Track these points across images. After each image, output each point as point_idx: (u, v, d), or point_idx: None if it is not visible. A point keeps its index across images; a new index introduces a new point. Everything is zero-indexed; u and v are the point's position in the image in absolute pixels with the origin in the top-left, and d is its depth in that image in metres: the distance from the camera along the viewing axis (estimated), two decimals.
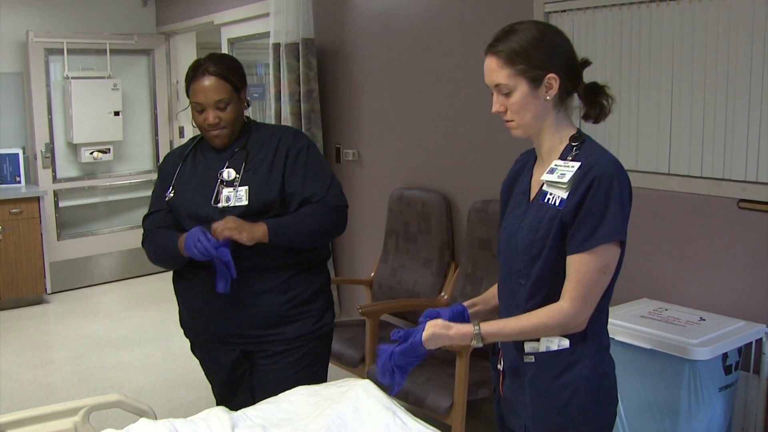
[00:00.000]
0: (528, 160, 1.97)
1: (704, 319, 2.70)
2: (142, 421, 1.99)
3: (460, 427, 3.08)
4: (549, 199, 1.81)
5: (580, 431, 1.84)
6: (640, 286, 3.07)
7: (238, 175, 2.51)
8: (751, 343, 2.68)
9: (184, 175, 2.61)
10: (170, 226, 2.58)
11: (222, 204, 2.49)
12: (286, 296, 2.54)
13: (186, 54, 7.13)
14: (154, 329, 5.54)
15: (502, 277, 1.96)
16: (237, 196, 2.49)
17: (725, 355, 2.57)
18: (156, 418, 2.17)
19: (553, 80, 1.78)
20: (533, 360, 1.85)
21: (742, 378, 2.71)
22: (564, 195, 1.77)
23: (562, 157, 1.81)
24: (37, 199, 6.06)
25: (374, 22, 4.42)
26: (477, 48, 3.69)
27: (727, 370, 2.60)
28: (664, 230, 3.02)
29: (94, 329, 5.58)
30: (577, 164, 1.76)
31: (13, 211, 5.91)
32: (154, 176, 6.85)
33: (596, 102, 1.84)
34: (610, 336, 2.62)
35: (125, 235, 6.85)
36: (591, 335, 1.83)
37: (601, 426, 1.87)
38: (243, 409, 2.14)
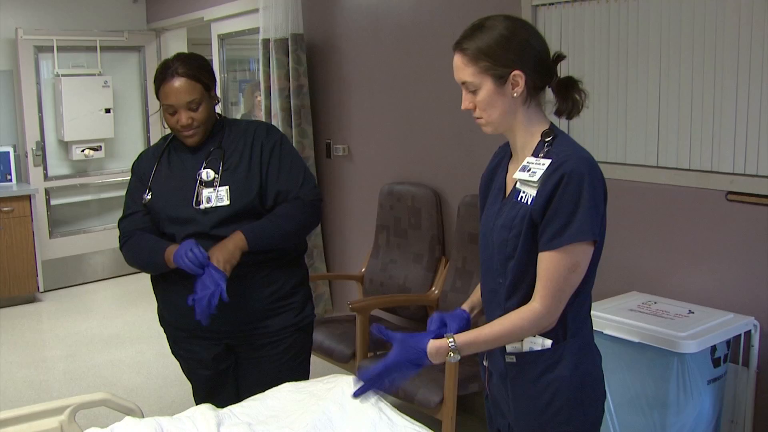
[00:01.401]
0: (504, 156, 1.96)
1: (693, 312, 2.70)
2: (127, 419, 1.99)
3: (450, 423, 3.08)
4: (522, 197, 1.80)
5: (562, 431, 1.83)
6: (629, 280, 3.07)
7: (217, 175, 2.51)
8: (740, 335, 2.68)
9: (160, 177, 2.59)
10: (148, 229, 2.56)
11: (204, 205, 2.48)
12: (268, 290, 2.55)
13: (177, 50, 7.02)
14: (146, 327, 5.53)
15: (483, 274, 1.95)
16: (218, 196, 2.48)
17: (714, 348, 2.57)
18: (143, 417, 2.17)
19: (518, 77, 1.76)
20: (514, 360, 1.85)
21: (731, 371, 2.71)
22: (533, 192, 1.76)
23: (535, 154, 1.79)
24: (29, 197, 6.05)
25: (363, 17, 4.41)
26: None
27: (716, 362, 2.60)
28: (653, 223, 3.02)
29: (87, 327, 5.58)
30: (547, 161, 1.75)
31: (5, 209, 5.90)
32: None
33: (569, 97, 1.81)
34: (599, 329, 2.64)
35: (118, 233, 6.83)
36: (572, 333, 1.82)
37: (586, 425, 1.86)
38: (229, 407, 2.14)
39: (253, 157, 2.52)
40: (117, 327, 5.57)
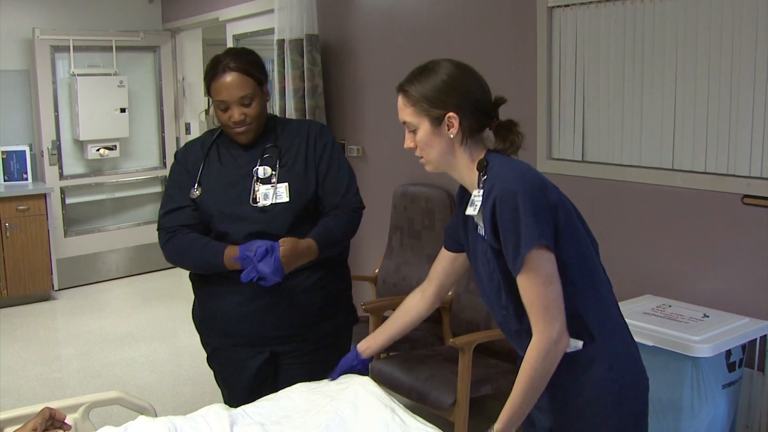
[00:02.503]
0: (466, 194, 1.98)
1: (708, 316, 2.68)
2: (141, 418, 1.99)
3: (463, 424, 3.07)
4: (479, 229, 1.87)
5: None
6: (643, 283, 3.05)
7: (274, 172, 2.45)
8: (756, 340, 2.67)
9: (210, 172, 2.51)
10: (194, 227, 2.47)
11: (261, 202, 2.43)
12: (320, 294, 2.49)
13: (192, 50, 7.14)
14: (160, 326, 5.55)
15: (489, 310, 2.01)
16: (277, 193, 2.43)
17: (729, 352, 2.55)
18: (156, 415, 2.17)
19: (453, 119, 1.83)
20: None
21: (746, 375, 2.69)
22: (483, 225, 1.83)
23: (478, 185, 1.85)
24: (44, 195, 6.08)
25: (378, 17, 4.41)
26: (479, 44, 3.68)
27: (731, 367, 2.58)
28: (668, 226, 3.01)
29: (101, 326, 5.60)
30: (482, 191, 1.81)
31: (20, 208, 5.93)
32: (161, 173, 6.97)
33: (507, 138, 1.87)
34: None
35: (132, 232, 6.87)
36: (600, 334, 1.83)
37: (628, 424, 1.86)
38: (242, 407, 2.13)
39: (309, 155, 2.48)
40: (131, 326, 5.59)
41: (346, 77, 4.73)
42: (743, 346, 2.62)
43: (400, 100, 1.90)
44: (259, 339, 2.50)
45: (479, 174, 1.85)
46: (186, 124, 7.13)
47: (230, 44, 6.01)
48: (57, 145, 6.43)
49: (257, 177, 2.45)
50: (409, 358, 3.44)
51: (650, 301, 2.87)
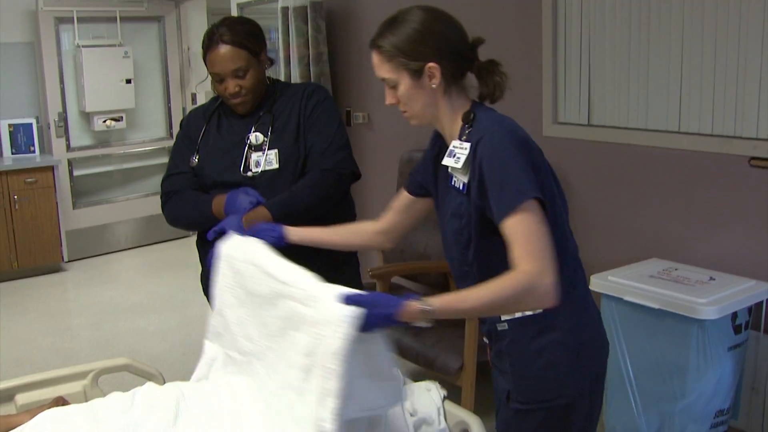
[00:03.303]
0: (443, 144, 1.92)
1: (714, 279, 2.68)
2: (149, 384, 2.01)
3: (470, 389, 3.09)
4: (455, 182, 1.80)
5: (559, 394, 1.82)
6: (649, 246, 3.05)
7: (266, 139, 2.45)
8: (762, 302, 2.67)
9: (209, 140, 2.54)
10: (194, 189, 2.52)
11: (252, 170, 2.44)
12: (324, 258, 2.40)
13: (197, 20, 7.08)
14: (170, 295, 5.58)
15: (449, 263, 1.93)
16: (267, 160, 2.44)
17: (735, 315, 2.56)
18: (164, 382, 2.19)
19: (434, 69, 1.76)
20: (507, 327, 1.83)
21: (752, 337, 2.69)
22: (465, 179, 1.76)
23: (459, 137, 1.79)
24: (52, 168, 6.09)
25: None
26: (484, 6, 3.65)
27: (737, 329, 2.59)
28: (675, 189, 2.99)
29: (111, 296, 5.64)
30: (468, 144, 1.74)
31: (28, 180, 5.95)
32: (168, 143, 6.96)
33: (490, 81, 1.81)
34: (618, 296, 2.64)
35: (141, 203, 6.88)
36: (564, 303, 1.75)
37: (584, 386, 1.85)
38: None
39: (300, 117, 2.47)
40: (140, 296, 5.63)
41: (351, 44, 4.70)
42: (749, 309, 2.62)
43: (375, 57, 1.82)
44: None
45: (463, 125, 1.79)
46: (192, 94, 7.10)
47: (234, 13, 5.96)
48: (63, 117, 6.43)
49: (249, 144, 2.46)
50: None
51: (656, 265, 2.87)
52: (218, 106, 2.58)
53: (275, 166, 2.44)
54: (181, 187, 2.55)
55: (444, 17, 1.81)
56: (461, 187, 1.78)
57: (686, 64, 2.90)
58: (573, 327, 1.83)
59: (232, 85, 2.41)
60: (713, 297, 2.51)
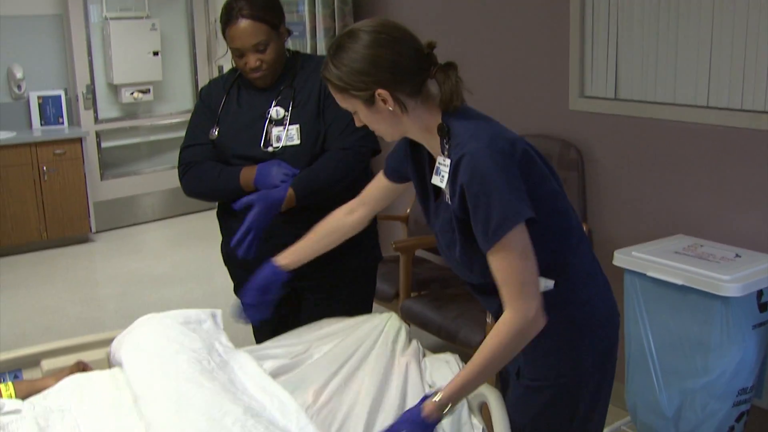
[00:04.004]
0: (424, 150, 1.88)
1: (740, 256, 2.65)
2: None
3: None
4: (446, 197, 1.76)
5: (570, 370, 1.84)
6: (675, 222, 3.02)
7: (287, 113, 2.44)
8: None
9: (229, 112, 2.52)
10: (213, 159, 2.52)
11: (273, 145, 2.43)
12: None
13: None
14: (195, 266, 5.64)
15: (448, 264, 1.94)
16: (288, 135, 2.42)
17: (760, 293, 2.53)
18: None
19: (384, 95, 1.71)
20: None
21: None
22: (449, 195, 1.73)
23: (442, 151, 1.74)
24: (80, 140, 6.14)
25: None
26: None
27: (762, 307, 2.55)
28: (702, 165, 2.95)
29: (138, 267, 5.71)
30: (449, 161, 1.70)
31: (57, 152, 6.01)
32: None
33: (446, 87, 1.73)
34: (642, 271, 2.62)
35: (167, 175, 6.92)
36: (573, 278, 1.80)
37: (597, 358, 1.86)
38: (264, 346, 2.18)
39: (321, 93, 2.44)
40: (167, 267, 5.69)
41: (378, 15, 4.67)
42: None
43: (330, 87, 1.78)
44: None
45: (442, 141, 1.74)
46: (219, 66, 7.12)
47: None
48: (91, 90, 6.48)
49: (271, 119, 2.45)
50: (439, 297, 3.46)
51: (682, 241, 2.84)
52: (237, 78, 2.56)
53: (296, 141, 2.43)
54: (200, 158, 2.54)
55: (390, 38, 1.72)
56: (449, 202, 1.75)
57: (716, 36, 2.85)
58: (586, 301, 1.83)
59: (252, 60, 2.38)
60: (738, 274, 2.48)
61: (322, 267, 2.40)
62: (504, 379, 2.03)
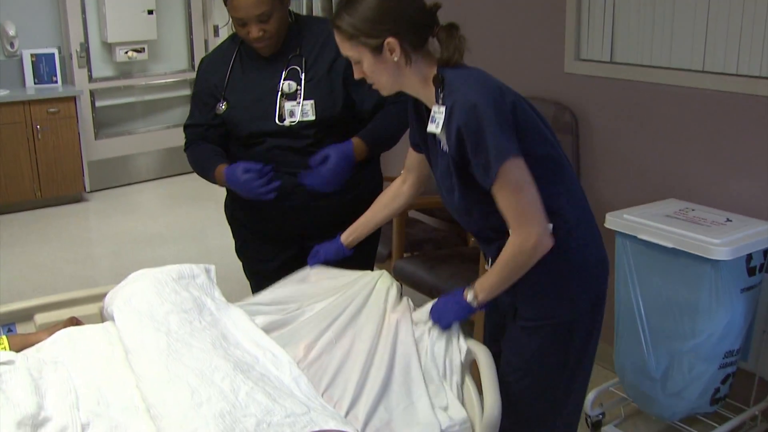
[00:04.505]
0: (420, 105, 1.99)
1: (731, 221, 2.66)
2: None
3: (482, 323, 3.11)
4: (442, 145, 1.87)
5: (564, 310, 1.93)
6: (668, 186, 3.03)
7: (299, 88, 2.41)
8: None
9: (235, 86, 2.49)
10: (212, 141, 2.56)
11: (287, 121, 2.41)
12: (351, 193, 2.50)
13: None
14: (189, 226, 5.65)
15: (451, 213, 2.04)
16: (303, 111, 2.40)
17: (750, 257, 2.54)
18: None
19: (393, 44, 1.81)
20: None
21: (766, 280, 2.68)
22: (446, 141, 1.83)
23: (437, 100, 1.84)
24: (74, 98, 6.10)
25: None
26: None
27: (751, 271, 2.57)
28: (696, 130, 2.96)
29: (132, 226, 5.72)
30: (443, 108, 1.80)
31: (51, 110, 5.98)
32: (190, 76, 6.95)
33: (450, 45, 1.84)
34: (633, 234, 2.63)
35: (162, 135, 6.91)
36: (568, 222, 1.89)
37: (584, 307, 1.95)
38: (257, 297, 2.21)
39: (336, 63, 2.41)
40: (161, 226, 5.70)
41: None
42: (765, 251, 2.60)
43: (337, 37, 1.87)
44: (288, 236, 2.54)
45: (437, 90, 1.83)
46: (214, 26, 7.06)
47: None
48: (85, 48, 6.42)
49: (282, 93, 2.42)
50: (432, 258, 3.48)
51: (674, 205, 2.85)
52: (240, 46, 2.52)
53: (311, 117, 2.41)
54: (196, 138, 2.59)
55: None
56: (445, 149, 1.85)
57: (713, 0, 2.83)
58: (581, 245, 1.92)
59: (255, 30, 2.34)
60: (728, 238, 2.49)
61: (329, 230, 2.40)
62: (500, 324, 2.09)
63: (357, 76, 1.91)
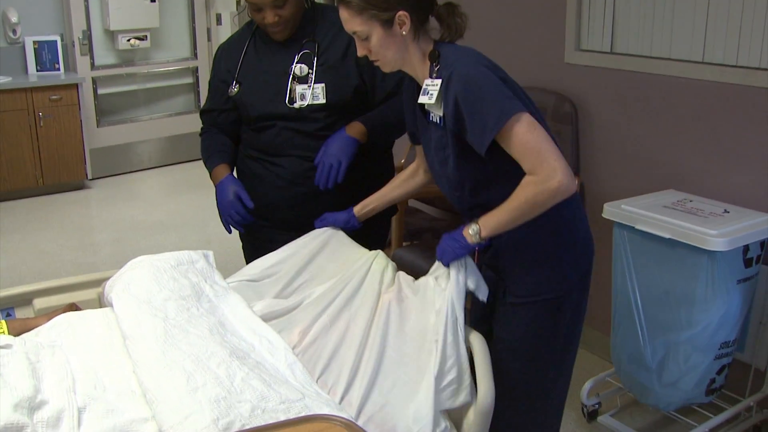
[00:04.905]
0: (414, 86, 2.02)
1: (728, 212, 2.67)
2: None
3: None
4: (432, 117, 1.91)
5: (553, 287, 1.96)
6: (666, 177, 3.03)
7: (311, 71, 2.42)
8: None
9: (249, 69, 2.50)
10: (226, 125, 2.60)
11: (297, 103, 2.42)
12: (361, 183, 2.48)
13: None
14: (190, 214, 5.66)
15: (442, 190, 2.07)
16: (314, 94, 2.41)
17: (746, 248, 2.55)
18: None
19: (404, 17, 1.85)
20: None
21: (763, 272, 2.69)
22: (440, 113, 1.86)
23: (430, 75, 1.88)
24: (76, 86, 6.11)
25: None
26: None
27: (748, 263, 2.58)
28: (695, 121, 2.96)
29: (133, 214, 5.73)
30: (439, 81, 1.84)
31: (53, 97, 5.98)
32: (192, 64, 6.96)
33: (452, 22, 1.90)
34: (630, 224, 2.64)
35: (164, 122, 6.92)
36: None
37: (571, 284, 1.98)
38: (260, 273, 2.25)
39: (350, 49, 2.40)
40: (162, 214, 5.71)
41: None
42: (762, 243, 2.61)
43: (344, 12, 1.88)
44: (295, 223, 2.53)
45: (431, 65, 1.89)
46: (217, 14, 7.05)
47: None
48: (88, 35, 6.42)
49: (294, 76, 2.43)
50: (431, 246, 3.46)
51: (672, 196, 2.85)
52: (254, 31, 2.53)
53: (322, 101, 2.41)
54: (210, 124, 2.65)
55: None
56: (438, 121, 1.89)
57: None
58: (566, 219, 1.95)
59: (270, 16, 2.35)
60: (725, 229, 2.50)
61: (339, 209, 2.40)
62: (491, 304, 2.09)
63: (360, 53, 1.93)
